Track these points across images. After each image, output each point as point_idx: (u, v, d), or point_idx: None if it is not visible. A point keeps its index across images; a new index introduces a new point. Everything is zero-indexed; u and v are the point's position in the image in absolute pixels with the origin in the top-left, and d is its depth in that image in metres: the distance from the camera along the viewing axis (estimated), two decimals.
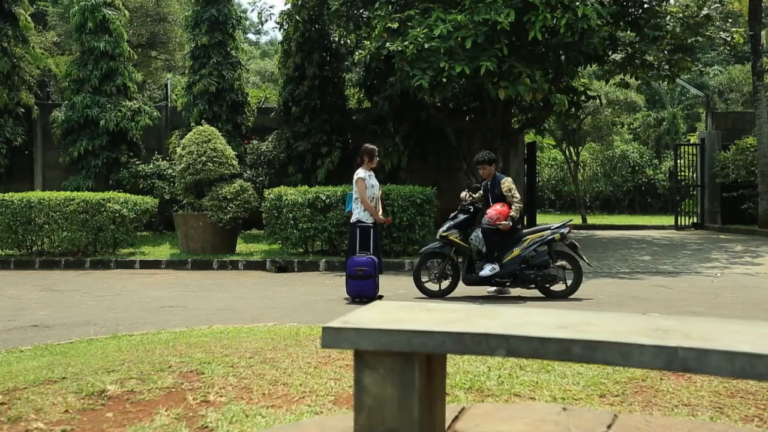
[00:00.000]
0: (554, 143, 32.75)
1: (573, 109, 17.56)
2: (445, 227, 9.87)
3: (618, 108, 30.21)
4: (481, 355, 2.51)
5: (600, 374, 4.47)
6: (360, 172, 9.80)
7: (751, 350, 2.14)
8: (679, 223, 21.71)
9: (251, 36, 56.36)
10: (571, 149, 28.91)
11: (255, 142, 17.77)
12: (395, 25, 13.64)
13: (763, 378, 2.13)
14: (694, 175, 22.17)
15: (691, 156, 22.41)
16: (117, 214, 14.06)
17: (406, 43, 13.15)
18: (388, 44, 13.53)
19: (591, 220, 27.35)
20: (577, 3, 13.00)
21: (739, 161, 19.75)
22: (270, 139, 17.92)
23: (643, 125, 38.42)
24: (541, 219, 27.83)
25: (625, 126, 39.27)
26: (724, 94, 37.59)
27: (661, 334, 2.40)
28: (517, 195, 9.70)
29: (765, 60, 18.69)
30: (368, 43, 14.43)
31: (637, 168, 34.83)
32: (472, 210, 9.79)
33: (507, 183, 9.67)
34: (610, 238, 18.54)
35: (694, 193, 22.26)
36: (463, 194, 10.08)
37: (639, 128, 38.94)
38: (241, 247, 15.56)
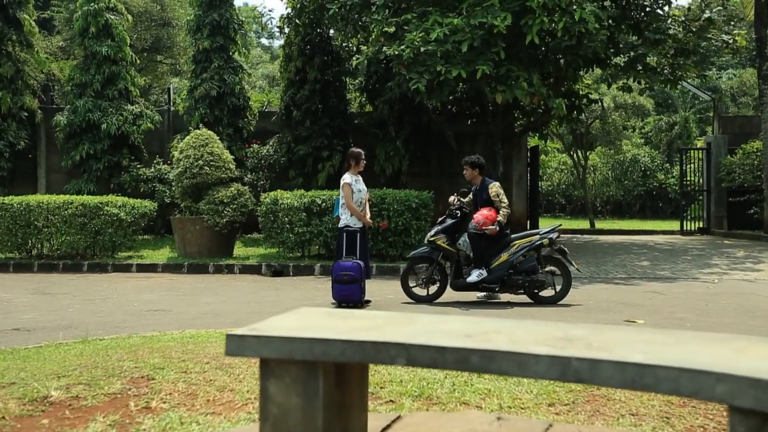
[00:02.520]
0: (559, 147, 32.57)
1: (575, 113, 17.46)
2: (432, 232, 9.82)
3: (627, 112, 30.01)
4: (383, 364, 2.46)
5: (556, 382, 4.40)
6: (346, 177, 9.74)
7: (640, 361, 2.08)
8: (685, 228, 21.53)
9: (264, 41, 56.47)
10: (579, 153, 28.76)
11: (255, 146, 17.78)
12: (392, 29, 13.61)
13: (650, 389, 2.06)
14: (701, 180, 21.98)
15: (698, 160, 22.22)
16: (115, 218, 14.10)
17: (402, 47, 13.12)
18: (384, 48, 13.51)
19: (599, 224, 27.19)
20: (575, 6, 12.91)
21: (746, 165, 19.54)
22: (271, 143, 17.93)
23: (654, 129, 38.16)
24: (549, 223, 27.71)
25: (637, 130, 39.05)
26: (737, 98, 37.30)
27: (563, 343, 2.34)
28: (505, 200, 9.61)
29: None
30: (365, 47, 14.41)
31: (648, 172, 34.61)
32: (459, 214, 9.72)
33: (495, 188, 9.60)
34: (612, 243, 18.40)
35: (701, 198, 22.07)
36: (451, 198, 10.02)
37: (650, 132, 38.69)
38: (240, 250, 15.57)
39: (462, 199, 9.97)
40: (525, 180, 19.32)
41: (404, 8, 14.48)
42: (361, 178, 10.00)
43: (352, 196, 9.67)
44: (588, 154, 30.21)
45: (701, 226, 21.54)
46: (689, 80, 19.72)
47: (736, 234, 19.62)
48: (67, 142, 17.58)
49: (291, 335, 2.51)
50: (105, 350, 5.39)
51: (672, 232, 22.07)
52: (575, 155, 29.04)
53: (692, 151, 22.92)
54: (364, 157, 10.04)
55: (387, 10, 14.38)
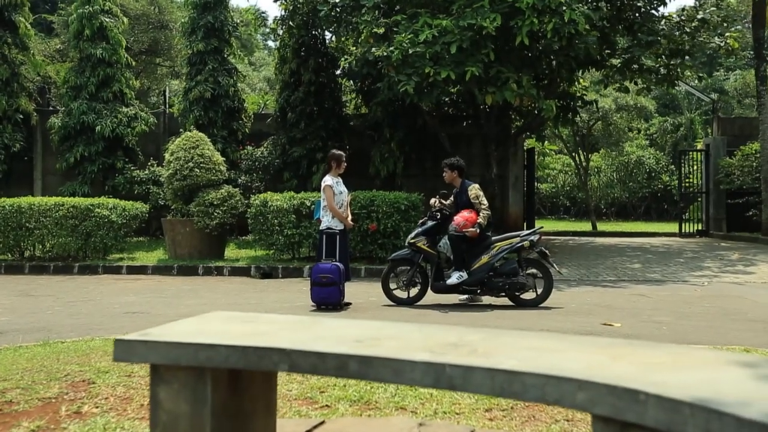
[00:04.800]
0: (557, 149, 32.39)
1: (570, 115, 17.36)
2: (413, 234, 9.77)
3: (629, 113, 29.83)
4: (267, 369, 2.41)
5: None
6: (327, 179, 9.72)
7: (510, 368, 2.03)
8: (684, 231, 21.37)
9: (271, 43, 56.43)
10: (582, 155, 28.61)
11: (250, 148, 17.76)
12: (381, 31, 13.57)
13: (518, 397, 2.01)
14: (701, 182, 21.83)
15: (697, 162, 22.06)
16: (106, 220, 14.09)
17: (391, 48, 13.08)
18: (373, 50, 13.46)
19: (602, 226, 27.01)
20: (564, 8, 12.83)
21: (744, 168, 19.36)
22: (265, 145, 17.91)
23: (659, 131, 37.92)
24: (552, 225, 27.56)
25: (642, 132, 38.83)
26: (742, 100, 37.06)
27: (449, 349, 2.29)
28: (485, 202, 9.54)
29: None
30: (353, 48, 14.39)
31: (653, 174, 34.38)
32: (440, 217, 9.66)
33: (474, 190, 9.54)
34: (608, 246, 18.27)
35: (700, 200, 21.91)
36: (432, 201, 9.98)
37: (655, 134, 38.45)
38: (233, 252, 15.55)
39: (443, 201, 9.91)
40: (521, 182, 19.21)
41: (396, 10, 14.43)
42: (341, 180, 9.97)
43: (334, 198, 9.64)
44: (590, 156, 30.04)
45: (700, 228, 21.37)
46: (693, 81, 19.49)
47: (734, 236, 19.45)
48: (61, 144, 17.60)
49: (177, 341, 2.47)
50: (58, 354, 5.36)
51: (672, 235, 21.91)
52: (577, 157, 28.88)
53: (692, 153, 22.75)
54: (345, 158, 10.00)
55: (377, 12, 14.35)
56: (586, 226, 26.82)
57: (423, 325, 2.72)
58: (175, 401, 2.51)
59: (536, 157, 24.44)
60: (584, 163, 28.55)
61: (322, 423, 3.41)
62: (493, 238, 9.69)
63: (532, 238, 9.51)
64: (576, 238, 21.78)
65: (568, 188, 36.01)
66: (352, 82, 19.21)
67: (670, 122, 37.83)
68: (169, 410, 2.51)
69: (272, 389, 2.88)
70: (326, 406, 3.99)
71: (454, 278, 9.38)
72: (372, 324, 2.75)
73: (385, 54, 13.11)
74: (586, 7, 14.00)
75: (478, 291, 9.58)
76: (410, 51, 12.93)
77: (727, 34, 15.32)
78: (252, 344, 2.38)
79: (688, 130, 36.98)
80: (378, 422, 3.48)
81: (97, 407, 3.91)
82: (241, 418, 2.65)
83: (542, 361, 2.10)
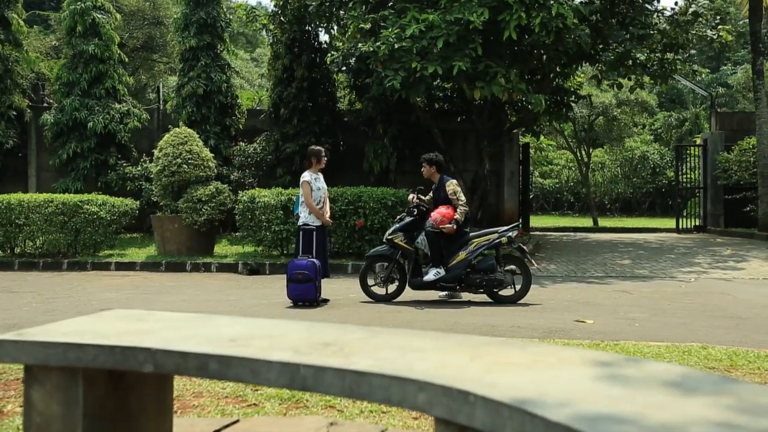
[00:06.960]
0: (555, 144, 32.20)
1: (564, 110, 17.23)
2: (390, 230, 9.72)
3: (630, 109, 29.64)
4: (133, 369, 2.35)
5: None
6: (306, 175, 9.67)
7: (359, 369, 1.97)
8: (681, 226, 21.22)
9: None
10: (583, 151, 28.45)
11: (242, 144, 17.72)
12: (368, 26, 13.50)
13: (366, 398, 1.96)
14: (699, 178, 21.67)
15: (695, 158, 21.90)
16: (95, 216, 14.09)
17: (378, 43, 13.01)
18: (360, 45, 13.40)
19: (604, 222, 26.86)
20: (552, 1, 12.71)
21: (742, 163, 19.19)
22: (258, 141, 17.86)
23: (664, 126, 37.66)
24: (554, 221, 27.46)
25: (646, 127, 38.58)
26: (747, 94, 36.75)
27: (315, 348, 2.23)
28: (463, 198, 9.47)
29: None
30: (340, 44, 14.32)
31: (657, 169, 34.15)
32: (417, 212, 9.58)
33: (452, 186, 9.46)
34: (601, 241, 18.14)
35: (698, 195, 21.75)
36: (410, 196, 9.90)
37: (660, 129, 38.19)
38: (225, 248, 15.52)
39: (421, 197, 9.82)
40: (516, 177, 19.10)
41: (383, 4, 14.35)
42: (321, 176, 9.93)
43: (312, 194, 9.59)
44: (591, 151, 29.86)
45: (698, 224, 21.22)
46: (698, 75, 19.16)
47: (731, 232, 19.28)
48: (54, 140, 17.60)
49: (47, 340, 2.42)
50: None
51: (670, 230, 21.75)
52: (579, 152, 28.72)
53: (690, 148, 22.60)
54: (324, 154, 9.95)
55: (365, 6, 14.26)
56: (588, 222, 26.68)
57: (312, 324, 2.66)
58: (47, 403, 2.45)
59: (536, 152, 24.31)
60: (586, 159, 28.40)
61: (236, 422, 3.36)
62: (471, 234, 9.61)
63: (510, 234, 9.43)
64: (571, 233, 21.66)
65: (571, 184, 35.81)
66: (345, 77, 19.12)
67: (674, 117, 37.56)
68: (41, 412, 2.46)
69: (166, 389, 2.82)
70: (254, 404, 3.94)
71: (431, 275, 9.32)
72: (259, 322, 2.69)
73: (371, 49, 13.03)
74: (577, 1, 13.89)
75: (457, 287, 9.51)
76: (396, 46, 12.85)
77: (720, 27, 15.16)
78: (118, 344, 2.33)
79: (693, 125, 36.68)
80: (291, 421, 3.42)
81: (21, 407, 3.86)
82: (124, 419, 2.59)
83: (399, 362, 2.03)
